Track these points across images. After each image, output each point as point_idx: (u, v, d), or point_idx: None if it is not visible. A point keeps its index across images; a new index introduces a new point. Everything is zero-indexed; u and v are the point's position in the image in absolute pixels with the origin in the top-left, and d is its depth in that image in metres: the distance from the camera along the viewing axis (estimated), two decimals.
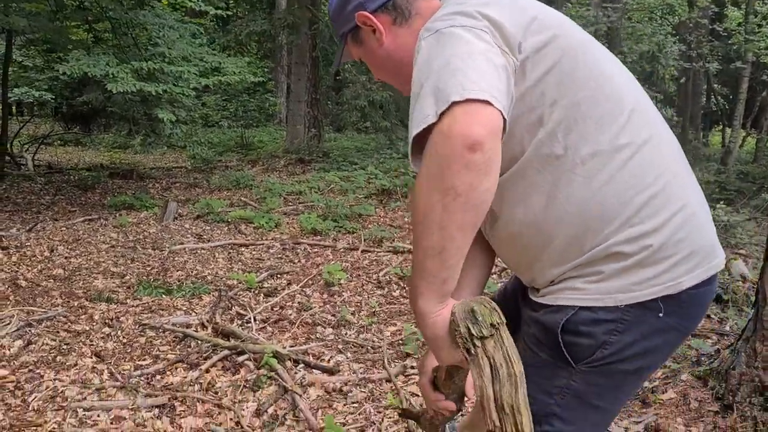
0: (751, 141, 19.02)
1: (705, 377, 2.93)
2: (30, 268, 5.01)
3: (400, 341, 3.70)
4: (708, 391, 2.84)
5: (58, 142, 14.49)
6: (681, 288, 1.22)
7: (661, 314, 1.23)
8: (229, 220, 6.83)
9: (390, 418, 2.86)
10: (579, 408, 1.28)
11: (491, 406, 1.06)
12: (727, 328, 3.79)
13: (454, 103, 1.06)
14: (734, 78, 14.39)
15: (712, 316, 4.04)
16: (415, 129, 1.11)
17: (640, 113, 1.25)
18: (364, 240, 6.06)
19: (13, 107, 15.83)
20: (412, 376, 3.26)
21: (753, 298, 3.35)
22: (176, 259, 5.42)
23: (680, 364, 3.19)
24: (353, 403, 3.01)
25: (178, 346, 3.63)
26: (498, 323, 1.09)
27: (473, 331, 1.08)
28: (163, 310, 4.21)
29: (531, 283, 1.35)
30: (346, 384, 3.19)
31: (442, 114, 1.07)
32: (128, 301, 4.36)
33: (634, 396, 2.76)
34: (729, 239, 6.61)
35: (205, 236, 6.27)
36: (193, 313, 4.13)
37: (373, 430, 2.77)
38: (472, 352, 1.08)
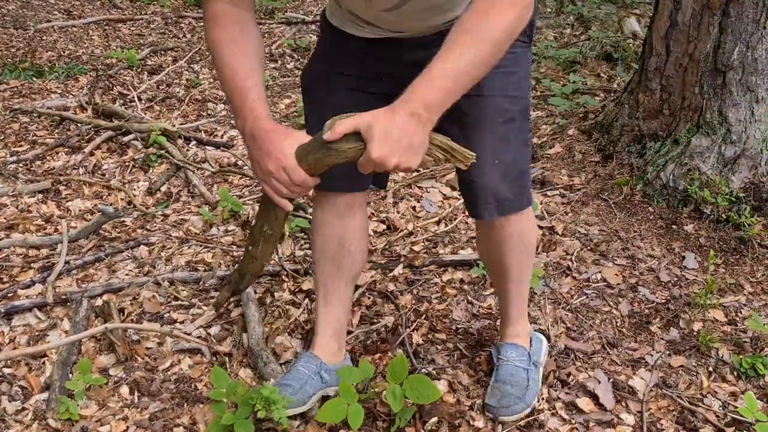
0: None
1: (590, 131, 3.04)
2: None
3: (294, 113, 3.60)
4: (592, 144, 2.96)
5: None
6: None
7: None
8: None
9: None
10: None
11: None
12: (615, 85, 3.89)
13: None
14: None
15: (602, 74, 4.12)
16: None
17: None
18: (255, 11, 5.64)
19: None
20: None
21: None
22: (44, 38, 4.89)
23: (568, 120, 3.28)
24: (248, 176, 2.96)
25: (57, 131, 3.39)
26: None
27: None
28: (35, 93, 3.86)
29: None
30: (240, 158, 3.11)
31: None
32: None
33: None
34: None
35: (74, 12, 5.63)
36: (70, 96, 3.82)
37: None
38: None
